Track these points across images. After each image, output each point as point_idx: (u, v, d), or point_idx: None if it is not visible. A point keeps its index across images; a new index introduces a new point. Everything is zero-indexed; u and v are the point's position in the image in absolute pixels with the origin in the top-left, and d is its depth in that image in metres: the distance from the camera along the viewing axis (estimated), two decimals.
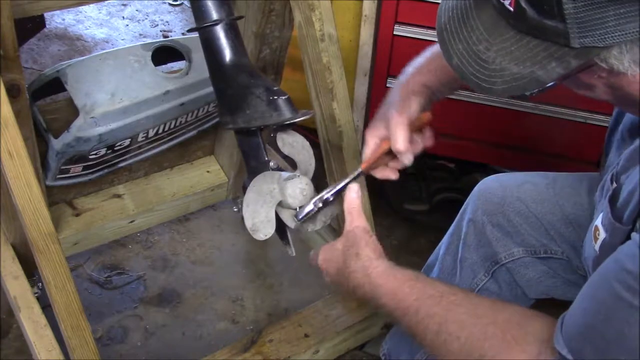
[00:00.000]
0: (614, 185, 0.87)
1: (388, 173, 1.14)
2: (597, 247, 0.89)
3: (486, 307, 0.91)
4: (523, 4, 0.71)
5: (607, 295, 0.75)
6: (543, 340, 0.83)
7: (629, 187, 0.82)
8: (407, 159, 1.09)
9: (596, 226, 0.89)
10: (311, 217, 1.14)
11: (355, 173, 1.13)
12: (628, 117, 0.92)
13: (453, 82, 1.13)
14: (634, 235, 0.76)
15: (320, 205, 1.13)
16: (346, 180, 1.12)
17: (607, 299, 0.75)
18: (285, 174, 1.15)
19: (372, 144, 1.12)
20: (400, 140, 1.07)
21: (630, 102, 0.78)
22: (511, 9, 0.72)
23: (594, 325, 0.77)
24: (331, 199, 1.13)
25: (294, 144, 1.23)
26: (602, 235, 0.87)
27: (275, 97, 1.15)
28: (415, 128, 1.10)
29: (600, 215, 0.88)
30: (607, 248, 0.84)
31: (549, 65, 0.72)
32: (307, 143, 1.23)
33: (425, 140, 1.12)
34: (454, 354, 0.89)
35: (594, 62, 0.72)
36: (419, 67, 1.15)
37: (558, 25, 0.69)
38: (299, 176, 1.14)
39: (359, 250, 1.03)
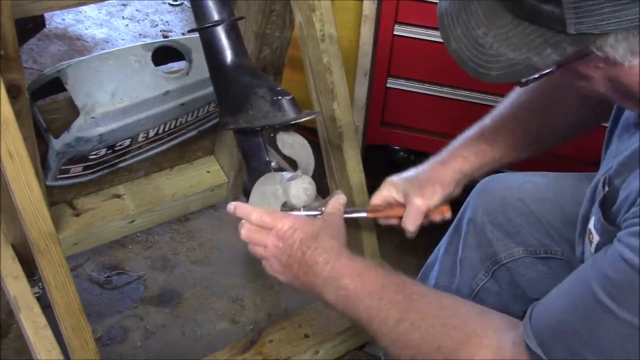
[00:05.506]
0: (606, 189, 0.87)
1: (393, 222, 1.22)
2: (592, 249, 0.89)
3: (448, 300, 0.94)
4: None
5: (587, 296, 0.76)
6: (502, 334, 0.85)
7: (624, 193, 0.82)
8: (410, 235, 1.18)
9: (589, 230, 0.89)
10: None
11: (360, 214, 1.24)
12: (624, 116, 0.90)
13: (488, 164, 1.20)
14: (619, 235, 0.76)
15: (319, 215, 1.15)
16: (349, 214, 1.16)
17: (586, 299, 0.76)
18: (287, 175, 1.15)
19: (384, 196, 1.19)
20: (412, 224, 1.17)
21: (627, 95, 0.77)
22: None
23: (570, 321, 0.77)
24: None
25: (293, 145, 1.23)
26: (596, 238, 0.87)
27: (279, 97, 1.15)
28: (431, 214, 1.20)
29: (593, 219, 0.89)
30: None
31: (545, 52, 0.71)
32: (306, 142, 1.23)
33: (434, 218, 1.21)
34: (413, 346, 0.89)
35: (590, 50, 0.71)
36: (454, 151, 1.20)
37: (554, 10, 0.69)
38: (301, 176, 1.14)
39: (336, 233, 1.05)
